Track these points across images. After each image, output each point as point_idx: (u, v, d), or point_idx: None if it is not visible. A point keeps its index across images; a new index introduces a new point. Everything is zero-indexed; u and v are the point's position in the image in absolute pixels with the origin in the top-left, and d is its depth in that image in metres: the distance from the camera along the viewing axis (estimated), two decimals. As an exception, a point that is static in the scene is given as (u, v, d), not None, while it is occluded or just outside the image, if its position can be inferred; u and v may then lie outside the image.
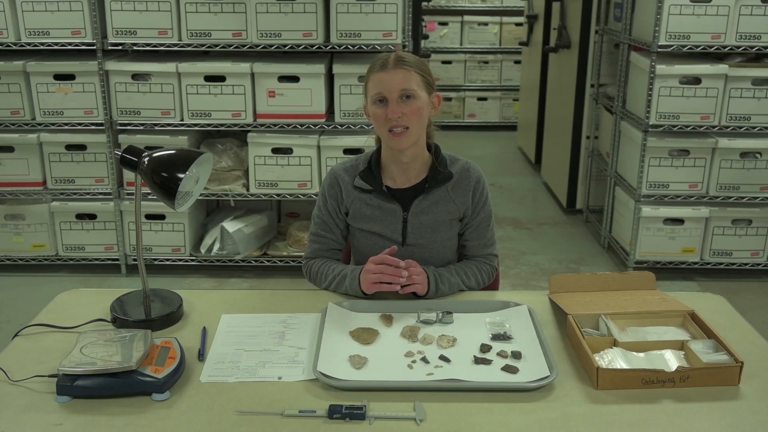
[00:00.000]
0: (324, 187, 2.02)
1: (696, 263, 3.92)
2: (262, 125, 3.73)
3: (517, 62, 6.96)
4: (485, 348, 1.63)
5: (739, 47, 3.64)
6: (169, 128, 3.74)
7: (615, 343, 1.61)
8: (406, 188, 1.96)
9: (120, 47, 3.66)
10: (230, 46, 3.65)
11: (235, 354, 1.63)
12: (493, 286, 2.17)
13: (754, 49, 3.67)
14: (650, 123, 3.71)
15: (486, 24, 7.09)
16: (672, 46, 3.62)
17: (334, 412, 1.39)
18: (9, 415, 1.41)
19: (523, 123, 6.43)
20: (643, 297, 1.83)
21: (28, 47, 3.68)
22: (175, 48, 3.66)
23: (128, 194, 3.86)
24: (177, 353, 1.54)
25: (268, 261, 3.93)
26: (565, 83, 4.93)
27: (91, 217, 3.88)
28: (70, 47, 3.68)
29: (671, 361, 1.56)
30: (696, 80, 3.66)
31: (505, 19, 7.07)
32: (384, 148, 1.96)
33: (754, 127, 3.71)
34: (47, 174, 3.82)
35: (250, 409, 1.42)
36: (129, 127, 3.75)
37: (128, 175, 3.85)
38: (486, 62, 7.11)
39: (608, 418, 1.41)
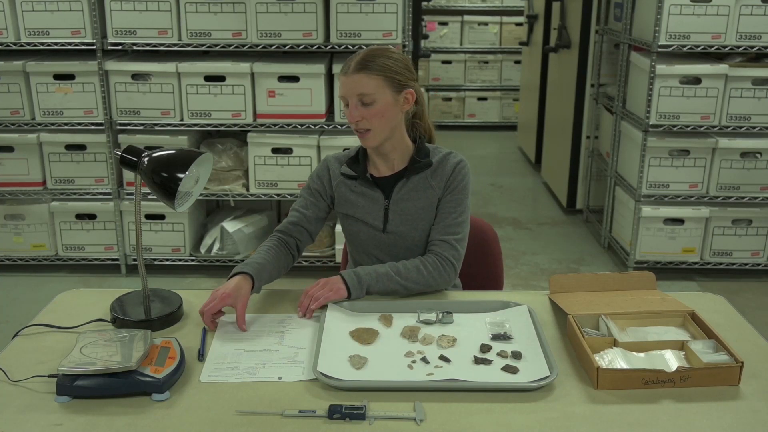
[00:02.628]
0: (315, 170, 2.08)
1: (696, 263, 3.92)
2: (262, 125, 3.73)
3: (517, 62, 6.96)
4: (485, 348, 1.63)
5: (739, 47, 3.64)
6: (169, 128, 3.74)
7: (615, 343, 1.61)
8: (388, 176, 1.99)
9: (120, 47, 3.66)
10: (230, 46, 3.65)
11: (235, 354, 1.63)
12: (497, 286, 2.17)
13: (754, 49, 3.67)
14: (650, 123, 3.71)
15: (486, 24, 7.09)
16: (672, 46, 3.62)
17: (334, 412, 1.39)
18: (9, 415, 1.41)
19: (523, 123, 6.43)
20: (643, 297, 1.83)
21: (28, 47, 3.68)
22: (175, 48, 3.66)
23: (128, 194, 3.86)
24: (177, 353, 1.54)
25: (268, 261, 3.93)
26: (565, 83, 4.93)
27: (91, 217, 3.88)
28: (70, 47, 3.68)
29: (671, 361, 1.56)
30: (696, 80, 3.66)
31: (505, 19, 7.07)
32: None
33: (754, 127, 3.71)
34: (47, 174, 3.82)
35: (250, 409, 1.42)
36: (129, 127, 3.75)
37: (128, 175, 3.85)
38: (486, 62, 7.11)
39: (608, 418, 1.41)
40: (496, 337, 1.68)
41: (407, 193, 1.97)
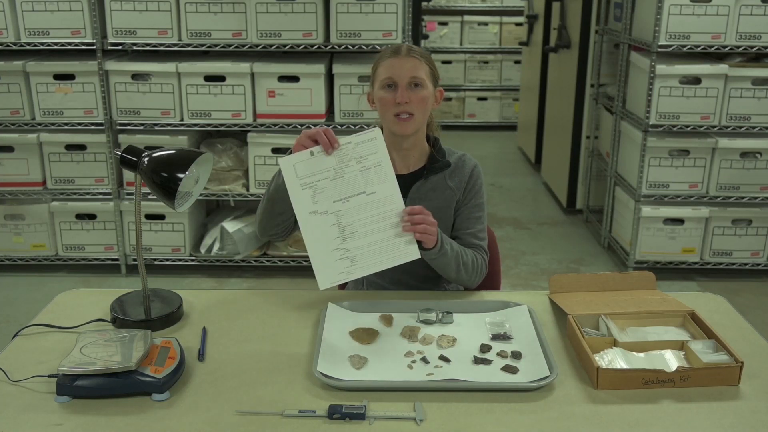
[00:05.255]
0: None
1: (696, 263, 3.92)
2: (262, 125, 3.73)
3: (517, 62, 6.96)
4: (485, 348, 1.63)
5: (739, 47, 3.64)
6: (169, 128, 3.74)
7: (615, 343, 1.61)
8: (405, 174, 1.99)
9: (120, 47, 3.66)
10: (230, 46, 3.65)
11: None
12: (494, 286, 2.17)
13: (754, 49, 3.67)
14: (650, 123, 3.71)
15: (486, 24, 7.09)
16: (672, 46, 3.62)
17: (334, 412, 1.39)
18: (9, 415, 1.41)
19: (523, 123, 6.43)
20: (643, 297, 1.83)
21: (28, 47, 3.68)
22: (175, 48, 3.66)
23: (128, 194, 3.86)
24: (177, 353, 1.54)
25: (268, 261, 3.93)
26: (565, 83, 4.93)
27: (91, 217, 3.88)
28: (70, 47, 3.68)
29: (671, 361, 1.56)
30: (696, 80, 3.66)
31: (505, 19, 7.07)
32: (385, 136, 1.99)
33: (754, 127, 3.71)
34: (47, 174, 3.82)
35: (250, 409, 1.42)
36: (129, 127, 3.75)
37: (128, 175, 3.85)
38: (486, 62, 7.11)
39: (608, 418, 1.41)
40: (496, 337, 1.68)
41: (426, 192, 1.98)
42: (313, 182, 1.73)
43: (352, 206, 1.73)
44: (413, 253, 1.75)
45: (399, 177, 1.98)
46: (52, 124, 3.75)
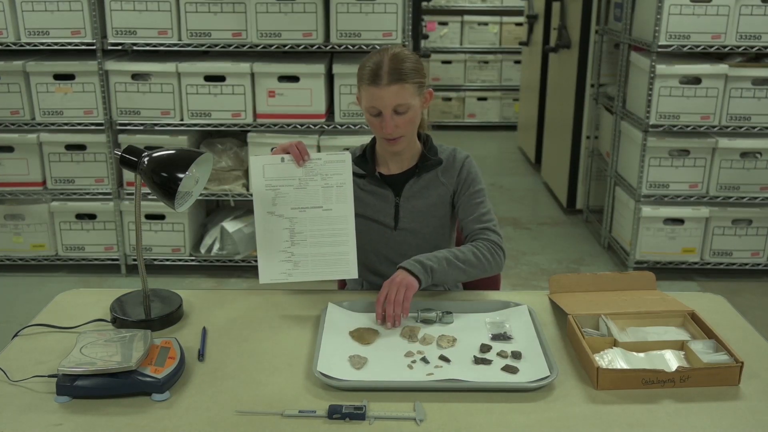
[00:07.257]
0: None
1: (696, 263, 3.92)
2: (262, 125, 3.73)
3: (517, 62, 6.96)
4: (485, 348, 1.63)
5: (739, 47, 3.64)
6: (169, 128, 3.74)
7: (615, 343, 1.61)
8: (398, 174, 2.00)
9: (120, 47, 3.67)
10: (230, 46, 3.65)
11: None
12: (494, 285, 2.17)
13: (754, 49, 3.67)
14: (650, 123, 3.71)
15: (486, 24, 7.09)
16: (672, 46, 3.62)
17: (334, 412, 1.39)
18: (9, 415, 1.41)
19: (523, 123, 6.43)
20: (643, 297, 1.83)
21: (28, 47, 3.68)
22: (175, 48, 3.66)
23: (128, 194, 3.86)
24: (177, 353, 1.54)
25: (268, 261, 3.93)
26: (565, 83, 4.93)
27: (91, 217, 3.88)
28: (69, 47, 3.68)
29: (671, 361, 1.56)
30: (696, 80, 3.66)
31: (505, 19, 7.07)
32: (378, 141, 2.02)
33: (754, 127, 3.71)
34: (47, 174, 3.82)
35: (250, 409, 1.42)
36: (129, 127, 3.75)
37: (128, 175, 3.85)
38: (486, 62, 7.11)
39: (608, 418, 1.41)
40: (496, 337, 1.68)
41: (419, 190, 1.98)
42: (277, 186, 1.83)
43: (307, 216, 1.83)
44: (352, 273, 1.86)
45: (392, 176, 2.00)
46: (52, 124, 3.75)
